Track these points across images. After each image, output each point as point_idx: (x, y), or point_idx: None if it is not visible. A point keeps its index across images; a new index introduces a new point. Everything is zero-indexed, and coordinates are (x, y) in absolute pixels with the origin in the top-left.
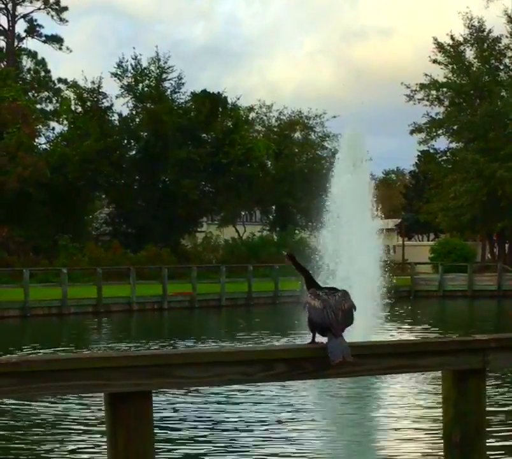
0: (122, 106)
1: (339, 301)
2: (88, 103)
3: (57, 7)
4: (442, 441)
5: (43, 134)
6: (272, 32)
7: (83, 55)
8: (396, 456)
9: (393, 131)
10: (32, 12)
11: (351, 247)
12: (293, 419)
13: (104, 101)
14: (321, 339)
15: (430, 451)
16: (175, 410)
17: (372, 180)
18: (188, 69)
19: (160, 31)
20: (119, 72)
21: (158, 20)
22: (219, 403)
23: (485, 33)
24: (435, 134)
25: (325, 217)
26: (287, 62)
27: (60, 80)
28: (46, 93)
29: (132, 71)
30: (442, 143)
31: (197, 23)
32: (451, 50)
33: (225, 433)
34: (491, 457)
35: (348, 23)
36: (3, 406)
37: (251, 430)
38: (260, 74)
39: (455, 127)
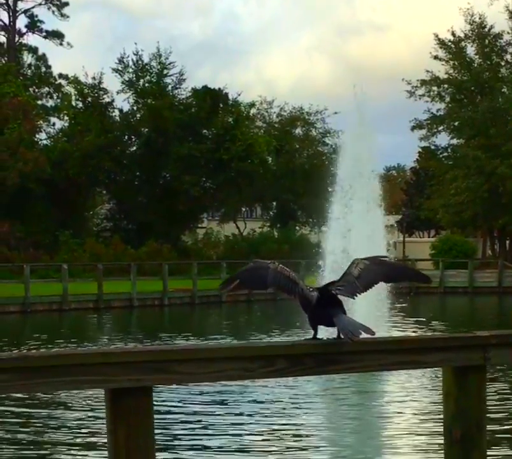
0: (123, 101)
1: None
2: (89, 99)
3: (58, 2)
4: (442, 437)
5: (44, 130)
6: (269, 28)
7: (83, 50)
8: (396, 451)
9: (394, 127)
10: (33, 7)
11: (356, 243)
12: (294, 414)
13: (104, 96)
14: (322, 335)
15: (431, 446)
16: (176, 406)
17: (376, 176)
18: (185, 65)
19: (159, 27)
20: (120, 68)
21: (157, 15)
22: (221, 398)
23: (486, 29)
24: (436, 130)
25: (330, 213)
26: (284, 59)
27: (61, 76)
28: (47, 89)
29: (133, 66)
30: (443, 139)
31: (195, 19)
32: (452, 46)
33: (227, 428)
34: (491, 453)
35: (344, 20)
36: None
37: (255, 424)
38: (256, 70)
39: (456, 124)
